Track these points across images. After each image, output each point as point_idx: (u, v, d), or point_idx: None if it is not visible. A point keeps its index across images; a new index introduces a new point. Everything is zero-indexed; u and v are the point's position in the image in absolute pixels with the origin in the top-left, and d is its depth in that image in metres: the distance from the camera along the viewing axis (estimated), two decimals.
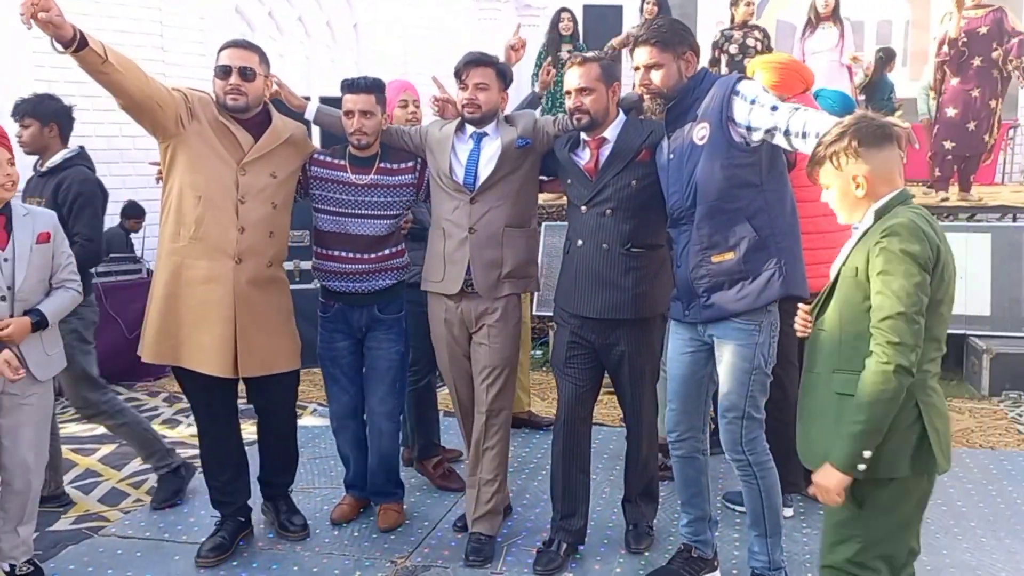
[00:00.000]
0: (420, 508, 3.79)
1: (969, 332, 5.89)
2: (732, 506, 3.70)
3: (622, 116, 3.12)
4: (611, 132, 3.09)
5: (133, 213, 7.45)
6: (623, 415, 3.36)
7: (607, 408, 5.00)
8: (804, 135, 2.53)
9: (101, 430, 5.00)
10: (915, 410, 2.07)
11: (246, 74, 3.14)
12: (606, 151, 3.08)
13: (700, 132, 2.77)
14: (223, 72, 3.14)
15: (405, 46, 10.14)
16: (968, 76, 6.74)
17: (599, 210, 3.04)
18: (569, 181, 3.17)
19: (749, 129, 2.69)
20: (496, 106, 3.24)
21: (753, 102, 2.67)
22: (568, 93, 3.05)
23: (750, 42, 7.18)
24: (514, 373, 3.37)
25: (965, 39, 6.65)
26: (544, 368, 5.99)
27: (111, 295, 5.80)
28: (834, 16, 7.14)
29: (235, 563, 3.30)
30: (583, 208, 3.08)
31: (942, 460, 2.10)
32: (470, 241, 3.20)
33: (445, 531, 3.58)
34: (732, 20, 7.38)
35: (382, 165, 3.37)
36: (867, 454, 2.04)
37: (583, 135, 3.12)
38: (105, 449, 4.69)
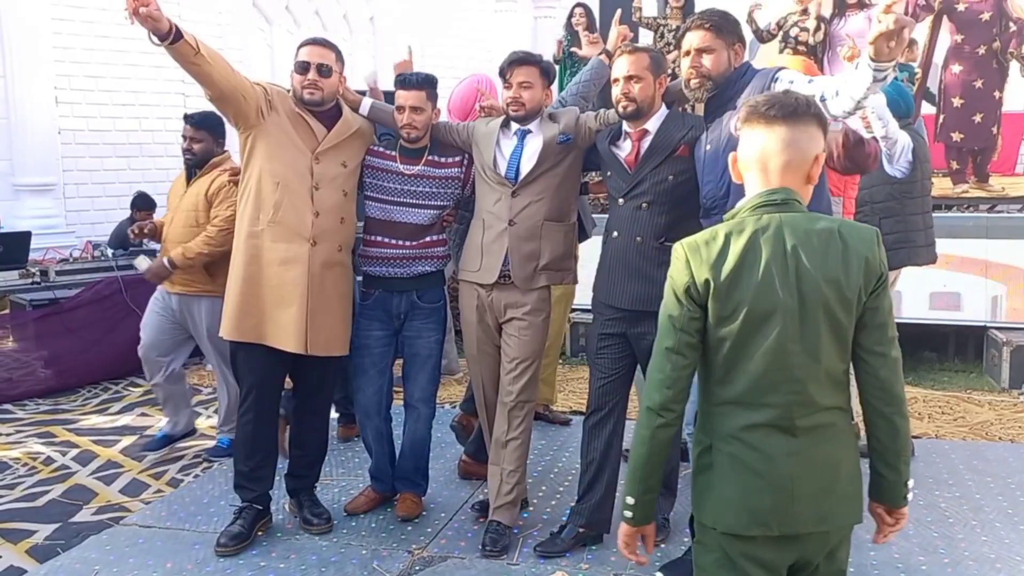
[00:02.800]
0: (437, 499, 3.81)
1: (989, 324, 5.85)
2: None
3: (664, 109, 3.15)
4: (652, 124, 3.11)
5: (143, 205, 7.27)
6: None
7: None
8: (837, 93, 2.52)
9: (122, 421, 5.08)
10: (708, 455, 1.83)
11: (323, 70, 3.30)
12: (646, 143, 3.10)
13: (737, 122, 2.77)
14: (302, 68, 3.30)
15: (421, 39, 10.16)
16: (970, 65, 6.62)
17: (635, 203, 3.08)
18: (609, 174, 3.21)
19: None
20: (540, 103, 3.31)
21: (791, 82, 2.68)
22: (616, 81, 3.08)
23: (792, 32, 7.00)
24: (540, 366, 3.43)
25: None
26: (560, 361, 5.99)
27: (131, 287, 5.85)
28: (860, 3, 6.97)
29: (254, 552, 3.33)
30: (620, 200, 3.12)
31: (726, 517, 1.78)
32: (509, 233, 3.27)
33: (462, 522, 3.59)
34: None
35: (430, 158, 3.46)
36: (629, 500, 1.83)
37: (625, 126, 3.14)
38: (126, 440, 4.74)
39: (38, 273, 5.69)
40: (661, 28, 7.90)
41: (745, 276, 1.74)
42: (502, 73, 3.31)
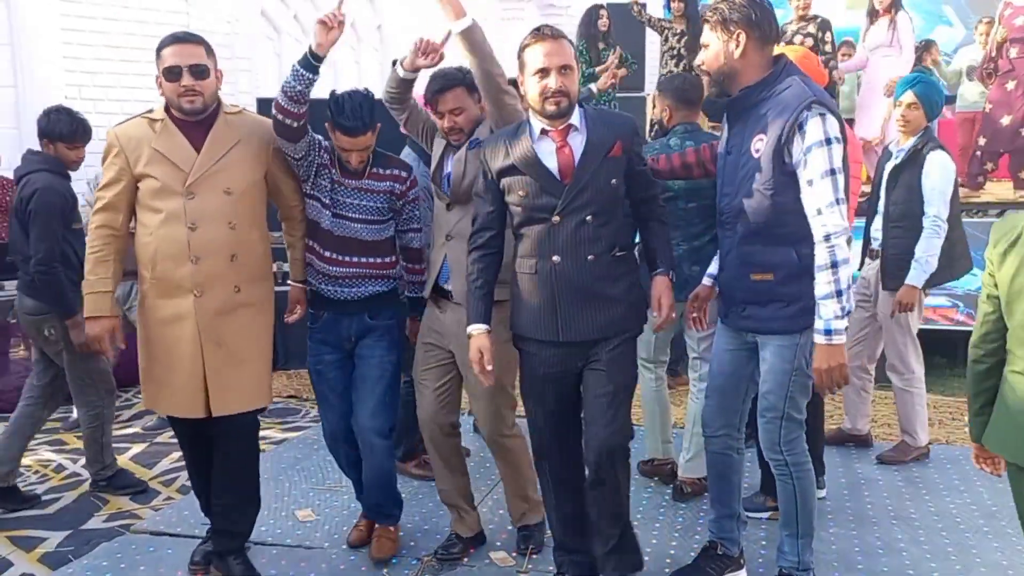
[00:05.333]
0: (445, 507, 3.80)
1: None
2: (749, 514, 3.49)
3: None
4: (576, 119, 2.69)
5: None
6: (585, 443, 2.81)
7: None
8: (819, 212, 2.58)
9: (133, 429, 5.10)
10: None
11: (198, 72, 2.83)
12: (577, 142, 2.67)
13: (757, 144, 2.67)
14: (173, 74, 2.81)
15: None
16: (1004, 71, 6.59)
17: (577, 218, 2.64)
18: (522, 193, 2.68)
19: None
20: (476, 118, 3.08)
21: (807, 152, 2.57)
22: (541, 72, 2.60)
23: (796, 40, 6.94)
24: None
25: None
26: None
27: None
28: (892, 10, 6.81)
29: (264, 560, 3.33)
30: (556, 218, 2.65)
31: (988, 437, 2.26)
32: (448, 247, 3.10)
33: None
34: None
35: (373, 170, 3.16)
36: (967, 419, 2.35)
37: (543, 125, 2.67)
38: (136, 448, 4.76)
39: None
40: (667, 31, 7.92)
41: (1012, 254, 2.14)
42: (429, 102, 3.06)
